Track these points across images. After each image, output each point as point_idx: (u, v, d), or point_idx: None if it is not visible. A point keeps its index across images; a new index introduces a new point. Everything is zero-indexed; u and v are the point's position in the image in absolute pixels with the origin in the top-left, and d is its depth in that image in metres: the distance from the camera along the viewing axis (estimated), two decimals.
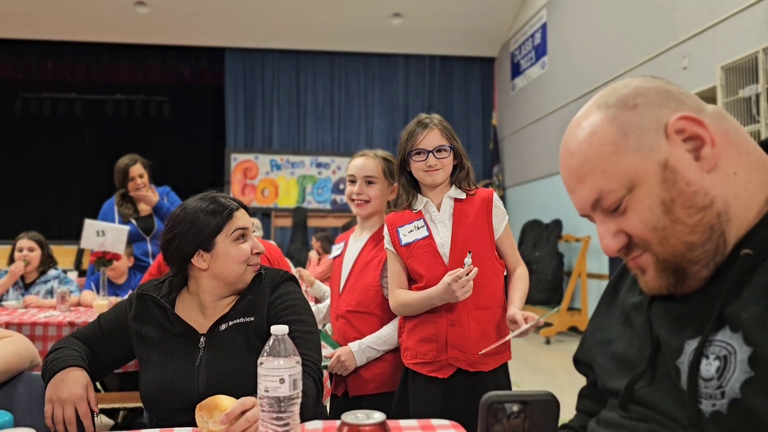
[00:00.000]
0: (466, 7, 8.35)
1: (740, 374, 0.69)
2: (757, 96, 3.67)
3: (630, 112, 0.80)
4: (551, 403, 0.67)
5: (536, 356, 5.64)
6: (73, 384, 1.34)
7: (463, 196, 1.89)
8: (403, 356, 1.90)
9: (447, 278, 1.71)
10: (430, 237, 1.85)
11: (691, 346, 0.76)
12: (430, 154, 1.85)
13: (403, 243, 1.88)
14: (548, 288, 6.67)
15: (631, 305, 0.90)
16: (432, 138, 1.87)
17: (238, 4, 8.26)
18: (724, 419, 0.71)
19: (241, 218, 1.51)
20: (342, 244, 2.22)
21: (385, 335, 1.98)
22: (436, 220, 1.87)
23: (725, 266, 0.76)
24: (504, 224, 1.88)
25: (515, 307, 1.78)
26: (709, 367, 0.73)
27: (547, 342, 6.10)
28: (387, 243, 1.94)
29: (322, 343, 2.03)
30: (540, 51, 7.94)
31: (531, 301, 6.47)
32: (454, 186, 1.91)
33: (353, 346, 1.96)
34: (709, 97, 4.28)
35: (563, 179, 0.86)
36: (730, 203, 0.76)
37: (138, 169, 3.69)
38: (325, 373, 1.92)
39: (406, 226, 1.90)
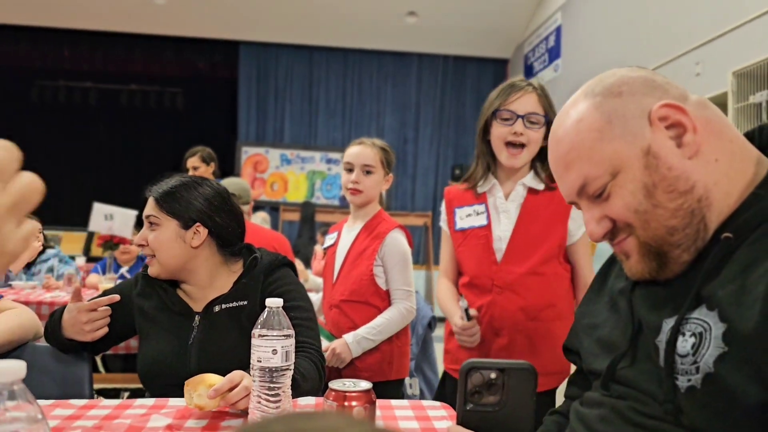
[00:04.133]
0: (480, 7, 8.35)
1: (714, 350, 0.71)
2: (767, 102, 3.66)
3: (615, 99, 0.82)
4: (528, 371, 0.69)
5: None
6: (66, 311, 1.45)
7: (541, 186, 1.63)
8: (444, 359, 1.78)
9: (458, 322, 1.54)
10: (488, 227, 1.63)
11: (668, 324, 0.79)
12: (520, 119, 1.54)
13: (457, 227, 1.69)
14: None
15: (618, 290, 0.92)
16: (526, 102, 1.56)
17: None
18: (699, 393, 0.72)
19: (147, 206, 1.46)
20: (335, 234, 2.19)
21: (380, 324, 1.96)
22: (501, 209, 1.63)
23: (706, 250, 0.78)
24: (583, 230, 1.61)
25: None
26: (685, 343, 0.75)
27: None
28: (442, 221, 1.76)
29: None
30: (553, 54, 7.93)
31: None
32: (533, 172, 1.64)
33: (348, 337, 1.94)
34: (720, 102, 4.27)
35: (551, 166, 0.89)
36: (710, 189, 0.78)
37: (194, 161, 3.87)
38: None
39: (465, 207, 1.69)
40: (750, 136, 0.87)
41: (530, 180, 1.64)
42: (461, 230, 1.66)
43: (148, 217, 1.44)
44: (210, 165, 3.95)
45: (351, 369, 1.98)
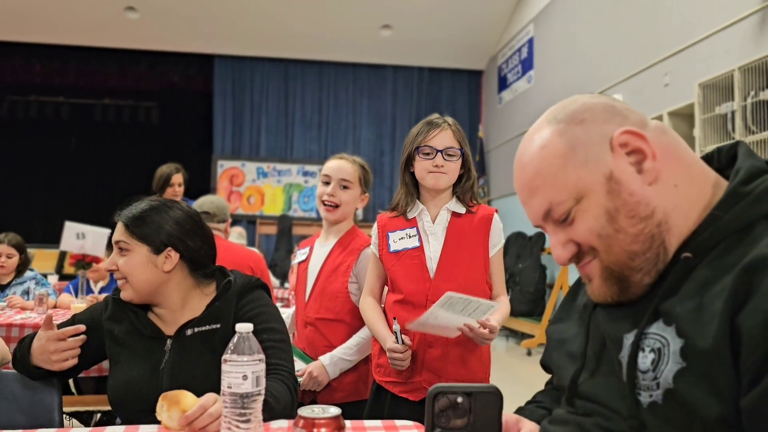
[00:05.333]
0: (454, 20, 8.45)
1: (673, 365, 0.73)
2: (733, 113, 3.75)
3: (578, 127, 0.84)
4: (495, 395, 0.70)
5: (517, 368, 5.66)
6: (36, 344, 1.42)
7: (463, 210, 1.78)
8: (375, 372, 1.82)
9: (391, 346, 1.64)
10: (421, 248, 1.75)
11: (629, 339, 0.80)
12: (439, 153, 1.72)
13: (391, 249, 1.79)
14: (530, 300, 6.71)
15: (583, 305, 0.94)
16: (444, 138, 1.73)
17: (228, 12, 8.30)
18: (660, 409, 0.74)
19: (116, 231, 1.45)
20: (306, 249, 2.15)
21: (356, 344, 1.93)
22: (429, 231, 1.77)
23: (666, 269, 0.80)
24: (498, 248, 1.78)
25: (496, 326, 1.61)
26: (645, 359, 0.77)
27: (528, 353, 6.13)
28: (373, 245, 1.85)
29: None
30: (527, 65, 8.03)
31: (513, 313, 6.50)
32: (455, 198, 1.80)
33: (324, 359, 1.91)
34: (687, 113, 4.36)
35: (517, 192, 0.90)
36: (670, 213, 0.80)
37: (179, 178, 3.90)
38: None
39: (397, 232, 1.80)
40: (708, 157, 0.90)
41: (453, 205, 1.79)
42: (395, 252, 1.79)
43: (117, 242, 1.42)
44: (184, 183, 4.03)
45: (326, 389, 1.95)
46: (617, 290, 0.83)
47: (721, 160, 0.89)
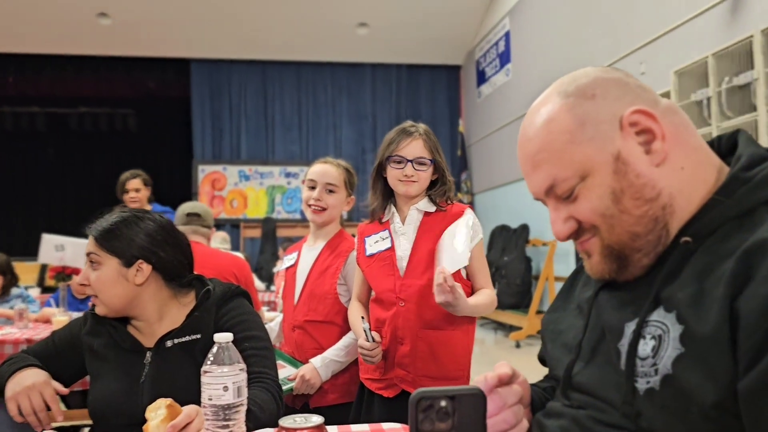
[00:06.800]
0: (430, 16, 8.45)
1: (672, 351, 0.72)
2: (708, 99, 3.78)
3: (588, 102, 0.81)
4: (478, 396, 0.69)
5: (507, 360, 5.66)
6: (34, 375, 1.34)
7: (433, 209, 1.81)
8: (360, 370, 1.86)
9: (361, 343, 1.71)
10: (392, 249, 1.80)
11: (630, 328, 0.79)
12: (409, 163, 1.76)
13: (367, 253, 1.85)
14: (517, 292, 6.73)
15: (585, 299, 0.93)
16: (414, 148, 1.77)
17: (203, 15, 8.23)
18: (657, 395, 0.73)
19: (88, 244, 1.41)
20: (294, 255, 2.16)
21: (347, 345, 1.93)
22: (399, 232, 1.81)
23: (666, 253, 0.80)
24: (473, 243, 1.75)
25: (463, 295, 1.58)
26: (645, 346, 0.76)
27: (517, 346, 6.16)
28: (355, 253, 1.92)
29: (281, 362, 1.97)
30: (504, 58, 8.06)
31: (501, 305, 6.52)
32: (427, 198, 1.83)
33: (316, 362, 1.91)
34: None
35: (520, 163, 0.88)
36: (674, 197, 0.79)
37: (135, 184, 3.83)
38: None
39: (372, 236, 1.86)
40: (709, 145, 0.88)
41: (423, 204, 1.82)
42: (371, 255, 1.85)
43: (89, 254, 1.39)
44: (148, 188, 3.93)
45: (318, 392, 1.94)
46: (616, 267, 0.82)
47: (722, 148, 0.88)
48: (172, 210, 3.99)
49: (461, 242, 1.65)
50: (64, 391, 1.37)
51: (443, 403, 0.68)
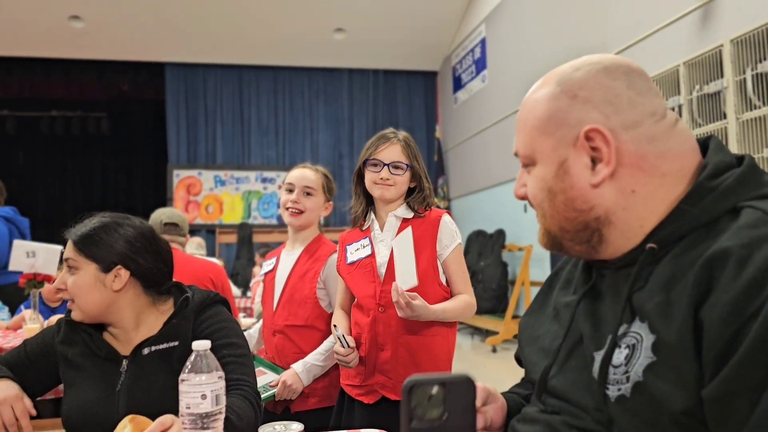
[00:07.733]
0: (407, 21, 8.48)
1: (644, 359, 0.74)
2: (680, 107, 3.86)
3: (567, 100, 0.84)
4: (468, 383, 0.70)
5: (483, 365, 5.71)
6: (5, 389, 1.31)
7: (410, 215, 1.82)
8: (341, 375, 1.86)
9: (336, 348, 1.73)
10: (372, 256, 1.81)
11: (608, 337, 0.81)
12: (386, 167, 1.79)
13: (348, 261, 1.86)
14: (494, 296, 6.78)
15: (563, 303, 0.95)
16: (391, 152, 1.80)
17: (177, 18, 8.15)
18: (628, 402, 0.75)
19: (66, 248, 1.39)
20: (273, 260, 2.17)
21: (327, 349, 1.93)
22: (378, 239, 1.83)
23: (632, 257, 0.82)
24: (451, 248, 1.78)
25: (422, 305, 1.60)
26: (620, 355, 0.78)
27: (494, 350, 6.19)
28: (337, 260, 1.93)
29: (261, 368, 1.97)
30: (480, 65, 8.12)
31: (477, 310, 6.54)
32: (405, 205, 1.84)
33: (297, 367, 1.91)
34: None
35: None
36: (615, 212, 0.82)
37: None
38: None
39: (353, 244, 1.87)
40: (704, 144, 0.88)
41: (401, 211, 1.84)
42: (351, 263, 1.86)
43: (67, 259, 1.37)
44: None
45: (299, 397, 1.94)
46: (551, 245, 0.90)
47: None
48: (16, 212, 3.91)
49: (409, 262, 1.66)
50: (33, 412, 1.34)
51: (434, 390, 0.69)
